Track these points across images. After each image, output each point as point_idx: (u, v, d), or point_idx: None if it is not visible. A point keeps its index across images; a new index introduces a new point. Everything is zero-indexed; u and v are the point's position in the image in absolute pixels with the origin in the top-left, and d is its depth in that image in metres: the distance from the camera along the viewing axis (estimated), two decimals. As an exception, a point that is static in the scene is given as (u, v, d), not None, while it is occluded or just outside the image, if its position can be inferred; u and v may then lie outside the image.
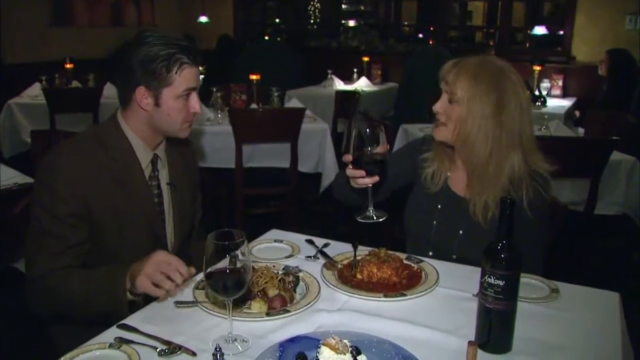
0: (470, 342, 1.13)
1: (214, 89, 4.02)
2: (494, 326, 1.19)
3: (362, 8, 9.25)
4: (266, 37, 7.35)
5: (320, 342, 1.06)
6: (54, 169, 1.53)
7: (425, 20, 9.05)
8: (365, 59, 6.80)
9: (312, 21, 8.73)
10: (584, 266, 3.28)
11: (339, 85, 6.23)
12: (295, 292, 1.43)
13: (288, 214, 3.85)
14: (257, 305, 1.34)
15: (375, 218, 1.56)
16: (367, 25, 8.45)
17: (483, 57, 1.70)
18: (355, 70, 6.59)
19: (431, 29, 8.50)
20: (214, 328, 1.27)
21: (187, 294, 1.41)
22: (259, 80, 4.26)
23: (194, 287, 1.41)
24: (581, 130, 4.09)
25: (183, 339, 1.22)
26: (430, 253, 1.75)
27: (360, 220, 1.57)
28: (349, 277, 1.51)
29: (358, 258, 1.58)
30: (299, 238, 1.81)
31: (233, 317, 1.23)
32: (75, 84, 5.52)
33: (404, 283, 1.49)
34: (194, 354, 1.16)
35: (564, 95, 5.99)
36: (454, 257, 1.73)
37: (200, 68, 1.75)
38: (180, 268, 1.35)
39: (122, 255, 1.64)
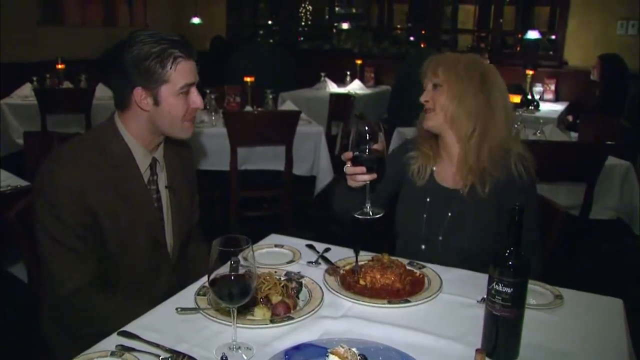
0: (477, 350, 1.12)
1: (208, 91, 3.99)
2: (502, 334, 1.18)
3: (354, 11, 9.26)
4: (258, 39, 7.33)
5: (329, 350, 1.04)
6: (53, 178, 1.49)
7: (417, 23, 9.07)
8: (359, 61, 6.80)
9: (302, 23, 8.73)
10: (577, 270, 3.29)
11: (332, 87, 6.22)
12: (298, 298, 1.41)
13: (282, 217, 3.83)
14: (260, 312, 1.32)
15: (372, 214, 1.56)
16: (360, 28, 8.46)
17: (455, 52, 1.89)
18: (348, 72, 6.59)
19: (423, 32, 8.53)
20: (217, 335, 1.25)
21: (188, 299, 1.39)
22: (253, 82, 4.24)
23: (196, 293, 1.39)
24: (574, 135, 4.11)
25: (186, 346, 1.20)
26: (423, 247, 1.81)
27: (357, 216, 1.57)
28: (352, 283, 1.50)
29: (360, 264, 1.56)
30: (299, 243, 1.80)
31: (236, 325, 1.21)
32: (66, 84, 5.46)
33: (407, 289, 1.47)
34: (198, 362, 1.14)
35: (557, 99, 6.02)
36: (440, 238, 1.79)
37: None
38: None
39: (122, 261, 1.62)
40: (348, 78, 6.54)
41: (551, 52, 6.70)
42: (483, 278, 1.53)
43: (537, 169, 1.77)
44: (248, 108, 4.16)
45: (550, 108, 5.51)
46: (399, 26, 9.14)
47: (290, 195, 3.77)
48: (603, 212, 3.24)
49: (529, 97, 5.30)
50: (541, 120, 3.80)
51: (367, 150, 1.52)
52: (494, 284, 1.17)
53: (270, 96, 4.25)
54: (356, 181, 1.60)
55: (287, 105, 4.60)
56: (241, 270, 1.14)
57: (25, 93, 5.04)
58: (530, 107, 5.08)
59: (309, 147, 3.93)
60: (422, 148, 1.87)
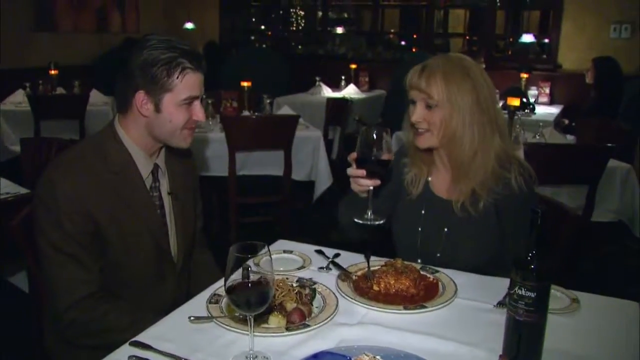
0: (500, 356, 1.10)
1: (204, 96, 3.94)
2: (524, 339, 1.15)
3: (346, 15, 9.25)
4: (255, 45, 7.31)
5: (353, 359, 1.02)
6: (53, 187, 1.46)
7: (408, 27, 9.09)
8: (353, 66, 6.80)
9: (293, 28, 8.71)
10: (578, 272, 3.28)
11: (327, 92, 6.21)
12: (312, 305, 1.38)
13: (281, 223, 3.80)
14: (275, 320, 1.29)
15: (370, 222, 1.56)
16: (354, 33, 8.46)
17: (443, 54, 1.74)
18: (343, 77, 6.58)
19: (414, 36, 8.54)
20: (232, 344, 1.22)
21: (199, 308, 1.35)
22: (250, 87, 4.22)
23: (207, 301, 1.36)
24: (570, 137, 4.11)
25: (201, 356, 1.17)
26: (419, 260, 1.73)
27: (357, 221, 1.56)
28: (366, 289, 1.47)
29: (373, 269, 1.54)
30: (308, 249, 1.77)
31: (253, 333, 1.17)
32: (60, 90, 5.40)
33: (422, 295, 1.45)
34: (214, 372, 1.11)
35: (551, 102, 6.04)
36: (438, 255, 1.73)
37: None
38: None
39: (126, 269, 1.59)
40: (343, 83, 6.53)
41: (544, 56, 6.72)
42: (496, 282, 1.52)
43: (539, 171, 1.73)
44: (245, 113, 4.14)
45: (546, 111, 5.53)
46: (392, 30, 9.15)
47: (290, 201, 3.74)
48: (604, 215, 3.24)
49: (525, 100, 5.32)
50: (541, 124, 3.80)
51: (373, 154, 1.51)
52: (516, 288, 1.14)
53: (267, 101, 4.23)
54: (359, 185, 1.58)
55: (284, 110, 4.57)
56: (259, 277, 1.11)
57: (17, 99, 4.98)
58: (526, 110, 5.09)
59: (307, 151, 3.91)
60: (414, 158, 1.79)
